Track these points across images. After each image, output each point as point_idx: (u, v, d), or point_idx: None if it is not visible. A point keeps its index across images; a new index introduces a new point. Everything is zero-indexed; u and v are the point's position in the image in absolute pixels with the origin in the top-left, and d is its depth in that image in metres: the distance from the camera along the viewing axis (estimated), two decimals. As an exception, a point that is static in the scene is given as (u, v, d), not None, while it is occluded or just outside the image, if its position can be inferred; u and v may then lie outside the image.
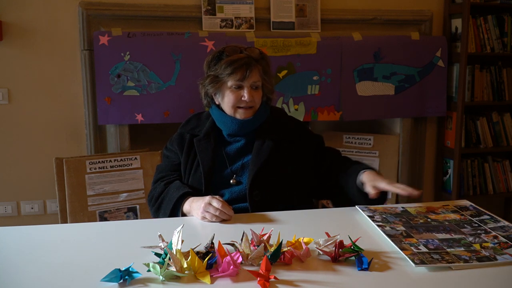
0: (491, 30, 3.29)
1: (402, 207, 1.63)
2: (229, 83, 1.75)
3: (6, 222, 2.87)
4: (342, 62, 3.08)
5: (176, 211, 1.70)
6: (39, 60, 2.85)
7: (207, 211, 1.56)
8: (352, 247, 1.28)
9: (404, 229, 1.43)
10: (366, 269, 1.22)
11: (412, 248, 1.29)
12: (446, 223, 1.48)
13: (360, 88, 3.14)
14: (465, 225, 1.46)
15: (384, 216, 1.54)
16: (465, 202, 1.71)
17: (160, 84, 2.86)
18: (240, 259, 1.23)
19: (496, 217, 1.55)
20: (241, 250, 1.27)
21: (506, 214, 3.61)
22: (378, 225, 1.46)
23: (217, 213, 1.55)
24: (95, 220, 2.71)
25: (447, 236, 1.38)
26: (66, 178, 2.68)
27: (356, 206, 1.64)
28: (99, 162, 2.74)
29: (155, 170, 1.93)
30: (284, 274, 1.20)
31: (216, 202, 1.57)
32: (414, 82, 3.22)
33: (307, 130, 1.94)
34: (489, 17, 3.28)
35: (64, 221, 2.68)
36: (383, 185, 1.60)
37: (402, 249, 1.28)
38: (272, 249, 1.26)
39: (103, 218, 2.75)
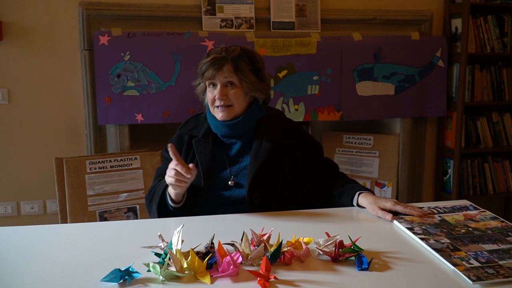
0: (491, 30, 3.29)
1: (439, 216, 1.57)
2: (207, 83, 1.77)
3: (6, 222, 2.87)
4: (342, 62, 3.08)
5: (164, 197, 1.70)
6: (39, 60, 2.85)
7: (169, 176, 1.56)
8: (352, 247, 1.28)
9: (448, 241, 1.36)
10: (366, 269, 1.22)
11: (464, 262, 1.23)
12: (489, 231, 1.43)
13: (360, 88, 3.14)
14: (510, 233, 1.42)
15: (424, 227, 1.46)
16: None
17: (160, 84, 2.86)
18: (240, 259, 1.23)
19: (498, 217, 1.55)
20: (241, 250, 1.27)
21: (506, 214, 3.61)
22: (422, 239, 1.38)
23: (177, 169, 1.54)
24: (95, 220, 2.71)
25: (495, 246, 1.33)
26: (66, 178, 2.68)
27: (394, 220, 1.54)
28: (99, 162, 2.74)
29: (155, 172, 1.93)
30: (284, 274, 1.20)
31: (173, 165, 1.56)
32: (414, 82, 3.22)
33: (307, 135, 1.91)
34: (489, 17, 3.28)
35: (64, 221, 2.68)
36: (390, 206, 1.57)
37: (454, 264, 1.22)
38: (272, 249, 1.26)
39: (103, 218, 2.75)
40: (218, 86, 1.73)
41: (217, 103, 1.74)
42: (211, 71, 1.72)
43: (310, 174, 1.83)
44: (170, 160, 1.87)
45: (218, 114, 1.76)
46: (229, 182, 1.77)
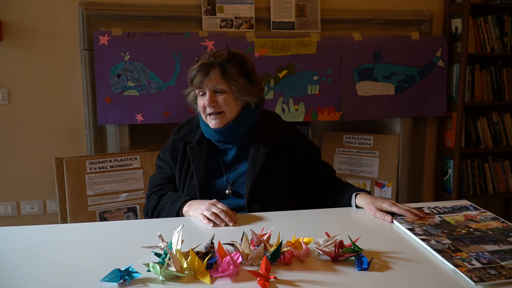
0: (491, 30, 3.29)
1: (440, 217, 1.56)
2: (196, 91, 1.75)
3: (6, 222, 2.87)
4: (342, 62, 3.08)
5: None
6: (39, 60, 2.85)
7: (209, 210, 1.55)
8: (352, 247, 1.28)
9: (450, 242, 1.36)
10: (366, 269, 1.22)
11: (466, 263, 1.23)
12: (490, 232, 1.43)
13: (360, 88, 3.14)
14: (510, 234, 1.41)
15: (424, 228, 1.46)
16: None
17: (160, 84, 2.86)
18: (240, 259, 1.23)
19: (499, 218, 1.55)
20: (241, 250, 1.27)
21: (506, 214, 3.61)
22: (423, 239, 1.38)
23: (221, 214, 1.53)
24: (95, 220, 2.71)
25: (496, 247, 1.33)
26: (66, 178, 2.68)
27: (394, 220, 1.55)
28: (99, 162, 2.74)
29: (149, 182, 1.90)
30: (284, 274, 1.20)
31: (221, 205, 1.57)
32: (414, 82, 3.22)
33: (306, 138, 1.90)
34: (489, 17, 3.28)
35: (64, 221, 2.68)
36: (386, 207, 1.58)
37: (456, 265, 1.22)
38: (272, 249, 1.26)
39: (103, 218, 2.75)
40: (207, 94, 1.70)
41: (208, 110, 1.71)
42: (198, 78, 1.70)
43: (308, 177, 1.82)
44: (163, 169, 1.85)
45: (211, 122, 1.73)
46: (227, 191, 1.75)
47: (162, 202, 1.76)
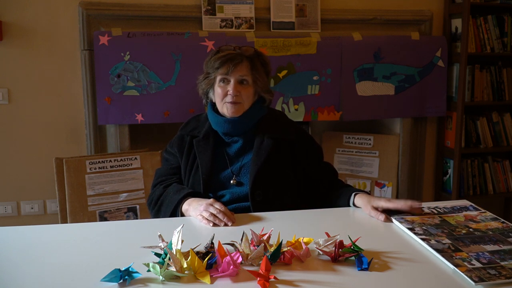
0: (491, 30, 3.29)
1: (440, 217, 1.57)
2: (218, 78, 1.78)
3: (6, 222, 2.86)
4: (342, 62, 3.08)
5: (175, 213, 1.70)
6: (39, 60, 2.85)
7: (207, 210, 1.56)
8: (352, 247, 1.28)
9: (450, 241, 1.36)
10: (366, 269, 1.22)
11: (466, 263, 1.23)
12: (490, 232, 1.43)
13: (360, 88, 3.14)
14: (510, 234, 1.42)
15: (424, 228, 1.46)
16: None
17: (160, 84, 2.86)
18: (240, 259, 1.23)
19: (499, 218, 1.55)
20: (241, 250, 1.27)
21: (506, 214, 3.61)
22: (423, 239, 1.38)
23: (219, 215, 1.54)
24: (95, 220, 2.71)
25: (496, 247, 1.33)
26: (66, 178, 2.68)
27: (393, 219, 1.55)
28: (99, 162, 2.74)
29: (155, 174, 1.93)
30: (284, 274, 1.20)
31: (218, 205, 1.58)
32: (414, 82, 3.22)
33: (309, 136, 1.94)
34: (489, 17, 3.28)
35: (64, 221, 2.68)
36: (383, 203, 1.60)
37: (456, 265, 1.22)
38: (272, 249, 1.26)
39: (103, 218, 2.75)
40: (232, 82, 1.75)
41: (229, 98, 1.76)
42: (227, 66, 1.74)
43: (310, 177, 1.84)
44: (170, 161, 1.89)
45: (228, 110, 1.77)
46: (231, 181, 1.78)
47: (166, 192, 1.79)
